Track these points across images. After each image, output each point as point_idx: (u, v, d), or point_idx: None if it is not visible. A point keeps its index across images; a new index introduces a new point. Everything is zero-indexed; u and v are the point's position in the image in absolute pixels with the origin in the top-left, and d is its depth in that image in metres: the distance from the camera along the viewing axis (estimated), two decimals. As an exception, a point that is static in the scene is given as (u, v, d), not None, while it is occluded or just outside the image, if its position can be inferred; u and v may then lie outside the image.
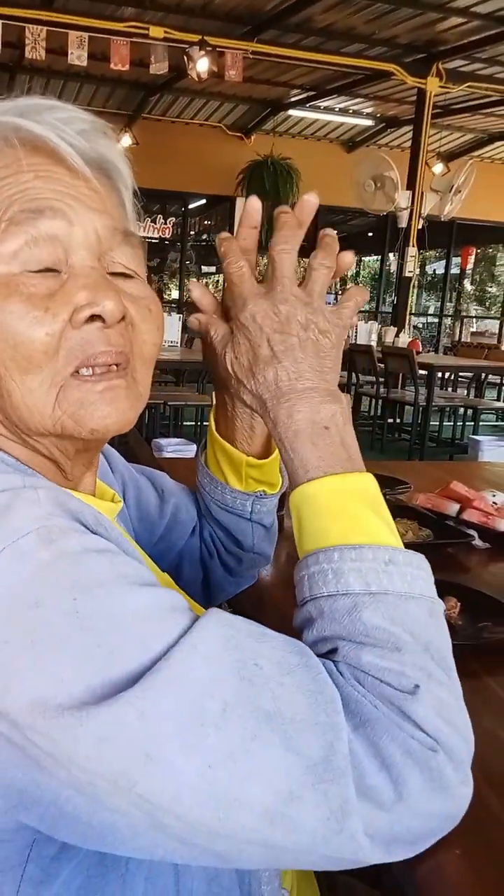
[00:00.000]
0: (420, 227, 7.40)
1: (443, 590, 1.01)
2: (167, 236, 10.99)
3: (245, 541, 0.81)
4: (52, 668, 0.42)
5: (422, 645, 0.49)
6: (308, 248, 0.58)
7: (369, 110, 9.60)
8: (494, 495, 1.48)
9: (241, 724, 0.42)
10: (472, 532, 1.36)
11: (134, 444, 1.50)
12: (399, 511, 1.43)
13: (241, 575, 0.85)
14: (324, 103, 9.22)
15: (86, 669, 0.42)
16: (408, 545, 1.42)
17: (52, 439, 0.55)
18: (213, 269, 12.06)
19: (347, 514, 0.53)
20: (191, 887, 0.53)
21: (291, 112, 9.60)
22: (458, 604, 1.03)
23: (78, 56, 5.96)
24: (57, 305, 0.52)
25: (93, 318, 0.52)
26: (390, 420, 6.80)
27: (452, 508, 1.41)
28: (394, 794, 0.44)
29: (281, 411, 0.56)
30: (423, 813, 0.46)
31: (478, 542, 1.35)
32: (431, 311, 13.37)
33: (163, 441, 3.82)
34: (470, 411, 6.70)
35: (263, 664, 0.44)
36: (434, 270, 13.77)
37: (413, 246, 7.40)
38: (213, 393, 0.73)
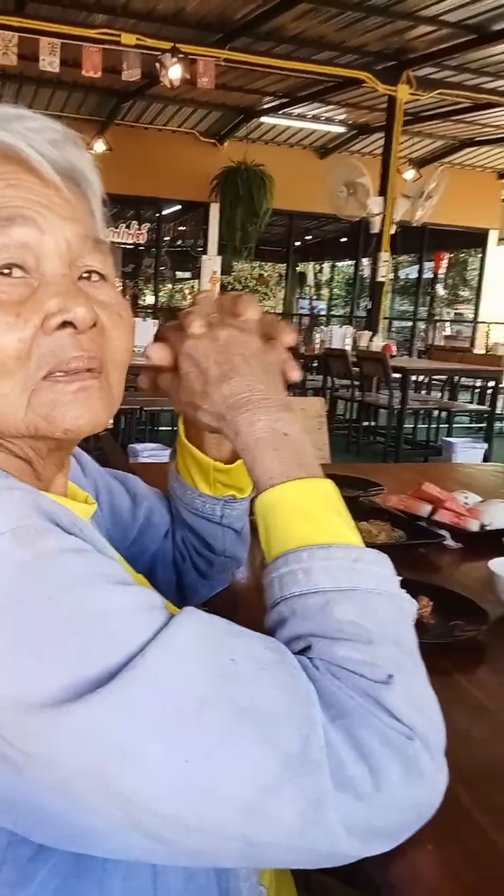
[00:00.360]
0: (392, 232, 7.47)
1: (415, 589, 1.05)
2: (142, 242, 10.97)
3: (216, 545, 0.82)
4: (28, 667, 0.42)
5: (391, 639, 0.50)
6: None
7: (341, 117, 9.69)
8: (466, 497, 1.51)
9: (217, 720, 0.43)
10: (444, 532, 1.38)
11: (108, 451, 1.50)
12: (372, 512, 1.46)
13: (214, 578, 0.86)
14: (296, 110, 9.29)
15: (63, 668, 0.42)
16: (381, 546, 1.44)
17: (25, 440, 0.56)
18: (187, 274, 12.07)
19: (312, 516, 0.55)
20: (168, 886, 0.53)
21: (264, 119, 9.65)
22: (431, 603, 1.05)
23: (50, 62, 5.95)
24: (28, 312, 0.52)
25: (64, 324, 0.53)
26: (366, 423, 6.85)
27: (425, 509, 1.43)
28: (372, 784, 0.45)
29: (241, 421, 0.58)
30: (401, 802, 0.46)
31: (450, 542, 1.37)
32: (405, 315, 13.50)
33: (138, 446, 3.82)
34: (444, 414, 6.78)
35: (239, 660, 0.45)
36: (407, 275, 13.91)
37: (386, 251, 7.47)
38: None
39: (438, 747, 0.49)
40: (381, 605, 0.52)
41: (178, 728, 0.42)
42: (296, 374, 0.64)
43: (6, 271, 0.53)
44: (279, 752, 0.43)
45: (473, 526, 1.39)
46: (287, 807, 0.43)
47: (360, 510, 1.49)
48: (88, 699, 0.41)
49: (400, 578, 1.06)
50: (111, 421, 5.33)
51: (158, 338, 0.65)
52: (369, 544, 1.36)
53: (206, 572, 0.85)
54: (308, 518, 0.55)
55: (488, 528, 1.40)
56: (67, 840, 0.45)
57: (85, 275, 0.57)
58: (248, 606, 1.08)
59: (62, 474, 0.64)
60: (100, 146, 9.33)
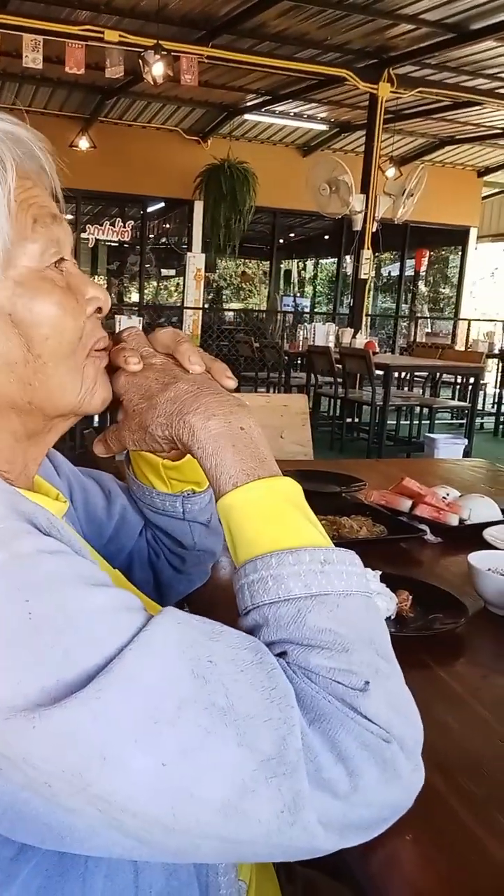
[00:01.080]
0: (374, 230, 7.51)
1: (396, 583, 1.07)
2: (126, 239, 10.93)
3: (185, 540, 0.82)
4: (4, 669, 0.42)
5: (366, 641, 0.50)
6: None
7: (323, 115, 9.70)
8: (447, 493, 1.53)
9: (194, 721, 0.43)
10: (424, 527, 1.40)
11: (91, 446, 1.50)
12: (354, 508, 1.48)
13: (190, 573, 0.86)
14: (279, 108, 9.29)
15: (40, 671, 0.42)
16: (362, 541, 1.45)
17: (56, 420, 0.61)
18: (172, 272, 12.04)
19: (277, 518, 0.54)
20: (150, 882, 0.54)
21: (247, 116, 9.65)
22: (410, 597, 1.07)
23: (33, 59, 5.91)
24: (80, 297, 0.59)
25: (97, 309, 0.61)
26: (349, 420, 6.88)
27: (405, 504, 1.45)
28: (349, 785, 0.46)
29: (195, 419, 0.58)
30: (378, 801, 0.48)
31: (429, 536, 1.39)
32: (388, 312, 13.55)
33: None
34: (425, 410, 6.83)
35: (217, 661, 0.45)
36: (389, 272, 13.95)
37: (368, 248, 7.51)
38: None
39: (415, 747, 0.50)
40: (354, 607, 0.52)
41: (156, 731, 0.42)
42: (229, 383, 0.64)
43: (57, 264, 0.59)
44: (256, 753, 0.43)
45: (453, 520, 1.41)
46: (265, 807, 0.43)
47: (342, 505, 1.51)
48: (66, 704, 0.41)
49: (378, 573, 1.08)
50: (96, 419, 5.32)
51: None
52: (350, 540, 1.38)
53: (181, 568, 0.85)
54: (273, 520, 0.54)
55: (467, 522, 1.42)
56: (49, 839, 0.45)
57: None
58: (228, 602, 1.09)
59: (37, 463, 0.65)
60: (84, 143, 9.29)
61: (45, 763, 0.41)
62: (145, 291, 11.36)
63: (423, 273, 13.40)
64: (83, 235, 10.33)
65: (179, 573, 0.86)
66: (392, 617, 1.03)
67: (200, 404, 0.59)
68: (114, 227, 10.62)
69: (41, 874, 0.50)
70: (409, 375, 8.16)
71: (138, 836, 0.43)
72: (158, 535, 0.83)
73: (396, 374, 7.32)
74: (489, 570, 1.10)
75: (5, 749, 0.42)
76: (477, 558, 1.12)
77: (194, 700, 0.43)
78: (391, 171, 8.32)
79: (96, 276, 11.90)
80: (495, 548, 1.27)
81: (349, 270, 8.52)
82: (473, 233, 12.27)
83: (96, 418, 5.50)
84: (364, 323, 7.96)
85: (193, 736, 0.42)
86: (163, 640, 0.45)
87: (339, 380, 6.61)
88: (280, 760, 0.44)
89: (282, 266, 13.74)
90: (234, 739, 0.43)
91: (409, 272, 12.81)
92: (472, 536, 1.33)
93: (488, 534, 1.32)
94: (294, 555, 0.52)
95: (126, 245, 11.34)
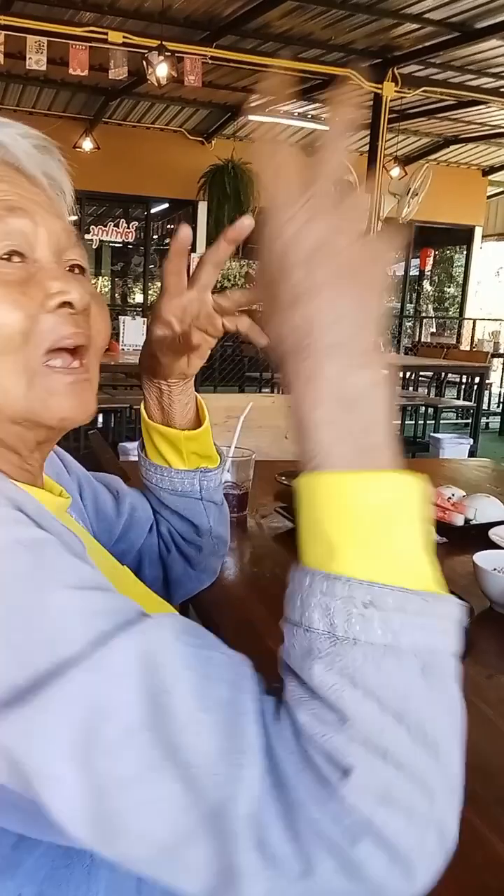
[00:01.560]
0: (379, 229, 7.50)
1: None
2: (130, 240, 10.94)
3: (202, 523, 0.83)
4: None
5: (391, 714, 0.39)
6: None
7: (327, 115, 9.69)
8: (453, 493, 1.52)
9: (138, 753, 0.38)
10: (430, 527, 1.40)
11: (97, 448, 1.51)
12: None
13: (203, 566, 0.87)
14: (283, 108, 9.29)
15: None
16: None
17: (18, 429, 0.57)
18: (175, 272, 12.04)
19: (341, 529, 0.41)
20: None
21: (251, 116, 9.65)
22: (415, 596, 1.07)
23: (36, 61, 5.92)
24: (32, 291, 0.55)
25: (63, 304, 0.56)
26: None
27: (410, 505, 1.45)
28: (300, 869, 0.38)
29: (306, 369, 0.42)
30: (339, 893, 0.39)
31: (435, 536, 1.39)
32: (392, 311, 13.54)
33: (128, 445, 3.82)
34: (431, 410, 6.82)
35: (184, 693, 0.39)
36: (394, 272, 13.95)
37: (373, 248, 7.49)
38: (144, 385, 0.77)
39: (410, 855, 0.38)
40: (390, 667, 0.39)
41: (96, 754, 0.39)
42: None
43: (7, 257, 0.56)
44: (200, 803, 0.38)
45: (458, 520, 1.41)
46: (203, 863, 0.38)
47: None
48: (7, 712, 0.39)
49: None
50: (100, 420, 5.32)
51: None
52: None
53: (195, 558, 0.86)
54: (334, 530, 0.41)
55: (473, 522, 1.42)
56: (33, 830, 0.46)
57: (68, 268, 0.61)
58: (229, 603, 1.09)
59: (42, 467, 0.65)
60: (88, 145, 9.31)
61: None
62: (150, 292, 11.37)
63: (428, 272, 13.38)
64: (87, 236, 10.34)
65: (191, 567, 0.87)
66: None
67: (320, 353, 0.42)
68: (118, 228, 10.64)
69: (46, 865, 0.50)
70: (413, 375, 8.15)
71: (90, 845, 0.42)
72: (173, 523, 0.85)
73: (401, 374, 7.31)
74: (495, 570, 1.09)
75: None
76: (482, 558, 1.12)
77: (144, 729, 0.39)
78: (396, 171, 8.32)
79: (100, 278, 11.92)
80: (501, 548, 1.26)
81: (354, 270, 8.51)
82: (478, 232, 12.24)
83: (100, 419, 5.52)
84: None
85: (134, 767, 0.38)
86: (125, 657, 0.40)
87: (344, 380, 6.59)
88: (224, 820, 0.37)
89: (286, 266, 13.72)
90: (178, 781, 0.38)
91: (413, 272, 12.79)
92: (477, 536, 1.33)
93: (494, 534, 1.32)
94: (329, 582, 0.40)
95: (130, 246, 11.36)
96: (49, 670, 0.39)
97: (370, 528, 0.41)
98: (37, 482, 0.63)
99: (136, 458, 0.86)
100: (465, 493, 1.54)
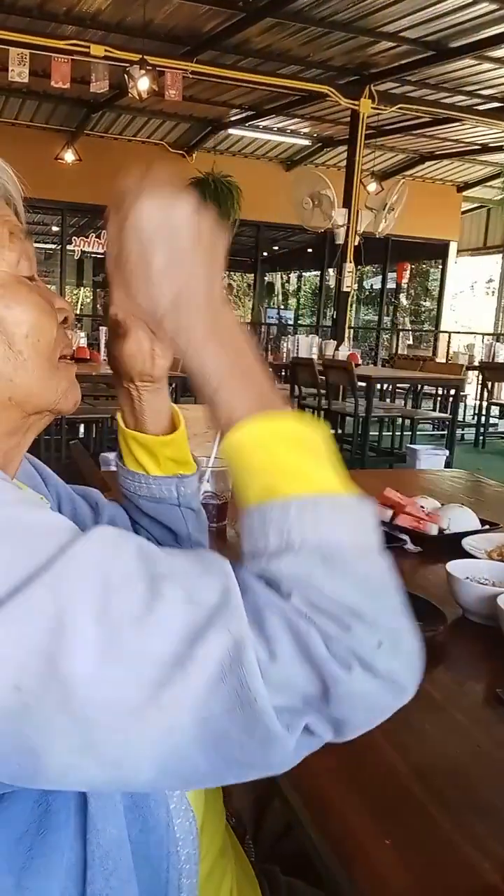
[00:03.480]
0: (356, 243, 7.58)
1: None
2: (110, 251, 10.93)
3: (180, 530, 0.84)
4: None
5: (300, 584, 0.47)
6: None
7: (306, 130, 9.80)
8: (423, 506, 1.55)
9: (142, 588, 0.45)
10: (405, 537, 1.43)
11: (78, 458, 1.52)
12: (336, 520, 1.49)
13: None
14: (262, 123, 9.38)
15: (7, 571, 0.45)
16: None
17: (34, 417, 0.64)
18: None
19: (246, 473, 0.53)
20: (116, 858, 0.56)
21: (231, 131, 9.72)
22: (391, 605, 1.08)
23: (19, 73, 5.93)
24: (52, 306, 0.63)
25: (65, 319, 0.65)
26: (332, 431, 6.92)
27: (385, 514, 1.47)
28: (267, 652, 0.45)
29: (190, 319, 0.56)
30: (296, 678, 0.45)
31: (410, 546, 1.41)
32: (370, 324, 13.66)
33: (109, 455, 3.81)
34: (407, 421, 6.88)
35: (152, 547, 0.49)
36: (371, 285, 14.07)
37: (350, 262, 7.57)
38: (118, 391, 0.78)
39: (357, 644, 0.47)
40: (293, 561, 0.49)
41: (106, 598, 0.45)
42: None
43: (30, 277, 0.63)
44: (202, 606, 0.45)
45: (432, 530, 1.43)
46: (214, 648, 0.44)
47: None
48: (23, 587, 0.44)
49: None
50: (82, 430, 5.28)
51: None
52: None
53: None
54: (254, 470, 0.52)
55: (447, 532, 1.45)
56: (21, 776, 0.46)
57: None
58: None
59: (18, 461, 0.67)
60: (69, 156, 9.31)
61: (14, 647, 0.43)
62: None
63: (405, 286, 13.53)
64: (69, 247, 10.32)
65: None
66: (372, 626, 1.05)
67: (194, 305, 0.56)
68: (100, 239, 10.62)
69: (23, 853, 0.51)
70: (391, 387, 8.23)
71: (110, 741, 0.44)
72: (152, 531, 0.85)
73: (379, 386, 7.38)
74: (467, 578, 1.12)
75: None
76: (455, 567, 1.14)
77: (138, 571, 0.46)
78: (372, 186, 8.41)
79: (82, 288, 11.89)
80: (474, 556, 1.29)
81: (332, 283, 8.60)
82: (453, 247, 12.41)
83: (81, 429, 5.50)
84: (347, 335, 8.02)
85: (142, 601, 0.45)
86: (102, 533, 0.49)
87: (323, 391, 6.64)
88: (226, 606, 0.46)
89: (266, 279, 13.81)
90: (181, 598, 0.45)
91: (390, 285, 12.93)
92: (450, 546, 1.35)
93: (467, 543, 1.35)
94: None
95: (110, 257, 11.34)
96: (53, 554, 0.46)
97: (259, 461, 0.52)
98: (8, 468, 0.65)
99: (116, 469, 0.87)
100: (440, 504, 1.57)
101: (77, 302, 11.97)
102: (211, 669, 0.44)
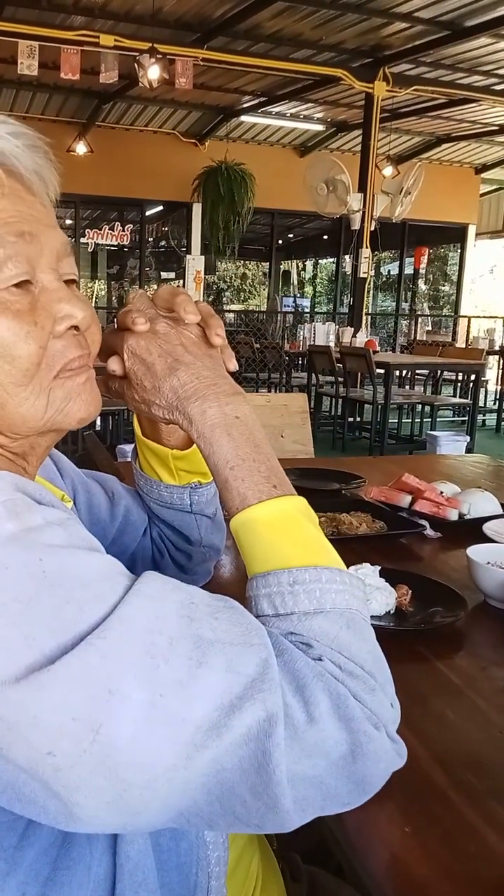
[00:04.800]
0: (373, 228, 7.51)
1: (395, 578, 1.08)
2: (125, 243, 10.95)
3: (192, 535, 0.83)
4: (22, 628, 0.44)
5: (329, 647, 0.52)
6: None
7: (319, 115, 9.72)
8: (442, 492, 1.53)
9: (186, 654, 0.46)
10: (424, 522, 1.41)
11: (92, 448, 1.52)
12: (354, 504, 1.48)
13: (195, 571, 0.87)
14: (275, 109, 9.31)
15: (56, 626, 0.44)
16: (362, 537, 1.46)
17: (33, 438, 0.60)
18: (171, 274, 12.05)
19: (261, 542, 0.57)
20: (146, 879, 0.56)
21: (244, 118, 9.66)
22: (410, 591, 1.07)
23: (28, 66, 5.93)
24: (42, 319, 0.56)
25: (70, 326, 0.58)
26: (350, 419, 6.89)
27: (405, 500, 1.45)
28: (306, 714, 0.48)
29: (193, 410, 0.61)
30: (331, 739, 0.49)
31: (429, 531, 1.39)
32: (387, 310, 13.56)
33: (126, 447, 3.82)
34: (427, 408, 6.82)
35: (198, 604, 0.50)
36: (388, 271, 13.95)
37: (366, 247, 7.51)
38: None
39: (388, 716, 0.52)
40: (320, 625, 0.54)
41: (153, 665, 0.45)
42: (232, 364, 0.66)
43: (17, 284, 0.56)
44: (242, 676, 0.47)
45: (452, 515, 1.42)
46: (249, 717, 0.46)
47: (342, 502, 1.51)
48: (76, 648, 0.44)
49: (377, 568, 1.08)
50: (98, 422, 5.33)
51: (104, 345, 0.66)
52: (350, 536, 1.38)
53: (186, 566, 0.86)
54: (258, 544, 0.58)
55: (467, 517, 1.43)
56: (47, 819, 0.46)
57: (65, 280, 0.60)
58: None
59: (37, 469, 0.66)
60: (81, 148, 9.32)
61: (56, 713, 0.43)
62: (147, 293, 11.38)
63: (423, 271, 13.39)
64: (82, 240, 10.35)
65: (184, 572, 0.87)
66: (392, 611, 1.04)
67: (199, 396, 0.61)
68: (113, 230, 10.65)
69: (49, 864, 0.51)
70: (410, 373, 8.16)
71: (139, 796, 0.45)
72: (164, 531, 0.85)
73: (397, 373, 7.33)
74: (488, 563, 1.10)
75: (15, 714, 0.43)
76: (476, 552, 1.13)
77: (183, 636, 0.47)
78: (388, 170, 8.33)
79: (96, 281, 11.92)
80: (495, 541, 1.27)
81: (348, 270, 8.53)
82: (472, 230, 12.27)
83: (98, 422, 5.52)
84: (364, 322, 7.97)
85: (186, 668, 0.46)
86: (150, 590, 0.49)
87: (340, 379, 6.61)
88: (264, 679, 0.47)
89: (281, 266, 13.75)
90: (223, 666, 0.47)
91: (408, 270, 12.80)
92: (471, 531, 1.33)
93: (488, 528, 1.33)
94: (263, 578, 0.56)
95: (125, 249, 11.37)
96: (103, 616, 0.46)
97: (277, 530, 0.57)
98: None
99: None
100: (458, 489, 1.55)
101: (91, 295, 12.00)
102: (241, 733, 0.46)
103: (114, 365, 0.65)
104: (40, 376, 0.56)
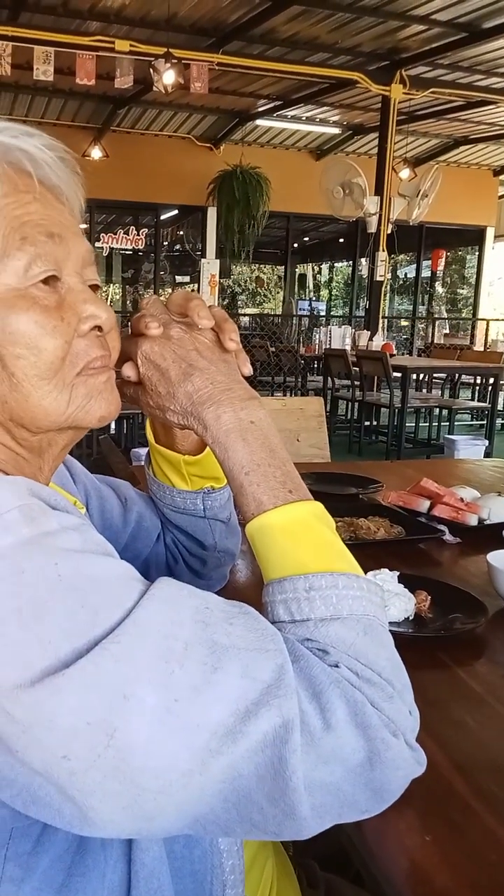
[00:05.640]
0: (389, 231, 7.49)
1: (414, 584, 1.07)
2: (140, 247, 10.99)
3: (206, 540, 0.83)
4: (38, 631, 0.44)
5: (346, 654, 0.52)
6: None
7: (336, 118, 9.71)
8: (462, 498, 1.51)
9: (201, 660, 0.46)
10: (443, 527, 1.39)
11: (107, 452, 1.52)
12: (371, 509, 1.47)
13: (210, 577, 0.87)
14: (291, 112, 9.31)
15: (72, 630, 0.45)
16: (380, 542, 1.44)
17: (52, 434, 0.60)
18: (186, 278, 12.09)
19: (277, 548, 0.57)
20: (161, 886, 0.56)
21: (259, 122, 9.68)
22: (429, 597, 1.06)
23: (44, 71, 5.97)
24: (68, 315, 0.58)
25: (94, 327, 0.59)
26: (367, 423, 6.86)
27: (423, 505, 1.44)
28: (322, 721, 0.47)
29: (207, 416, 0.61)
30: (348, 746, 0.48)
31: (448, 536, 1.38)
32: (404, 314, 13.50)
33: (141, 450, 3.83)
34: (445, 412, 6.78)
35: (213, 609, 0.50)
36: (405, 274, 13.90)
37: (383, 250, 7.49)
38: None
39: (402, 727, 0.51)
40: (337, 631, 0.53)
41: (167, 670, 0.45)
42: (247, 369, 0.66)
43: (45, 281, 0.57)
44: (257, 682, 0.47)
45: (472, 520, 1.40)
46: (264, 723, 0.46)
47: (359, 507, 1.50)
48: (91, 653, 0.44)
49: (396, 573, 1.07)
50: (113, 426, 5.36)
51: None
52: (367, 541, 1.37)
53: (200, 571, 0.86)
54: (273, 550, 0.57)
55: (487, 522, 1.41)
56: (60, 822, 0.46)
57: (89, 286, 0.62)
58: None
59: (53, 471, 0.66)
60: (96, 153, 9.37)
61: (71, 717, 0.43)
62: (160, 298, 11.42)
63: (440, 274, 13.33)
64: (97, 244, 10.40)
65: (199, 577, 0.86)
66: (411, 618, 1.03)
67: (214, 401, 0.61)
68: (128, 235, 10.70)
69: (63, 871, 0.52)
70: (427, 377, 8.12)
71: (154, 802, 0.45)
72: (178, 537, 0.84)
73: (414, 376, 7.29)
74: (508, 568, 1.08)
75: (30, 717, 0.43)
76: (496, 557, 1.11)
77: (198, 641, 0.47)
78: (405, 173, 8.30)
79: (111, 285, 11.98)
80: (515, 546, 1.25)
81: (365, 273, 8.50)
82: (490, 232, 12.19)
83: (112, 426, 5.54)
84: (380, 325, 7.94)
85: (201, 673, 0.46)
86: (165, 594, 0.49)
87: (357, 383, 6.58)
88: (279, 685, 0.47)
89: (297, 270, 13.74)
90: (238, 672, 0.46)
91: (425, 273, 12.75)
92: (491, 536, 1.32)
93: (507, 533, 1.31)
94: (279, 584, 0.56)
95: (140, 253, 11.41)
96: (118, 621, 0.46)
97: (291, 535, 0.57)
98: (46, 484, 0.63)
99: (147, 464, 0.86)
100: (478, 494, 1.53)
101: (107, 300, 12.05)
102: (257, 740, 0.46)
103: (128, 371, 0.65)
104: (64, 371, 0.57)
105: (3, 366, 0.56)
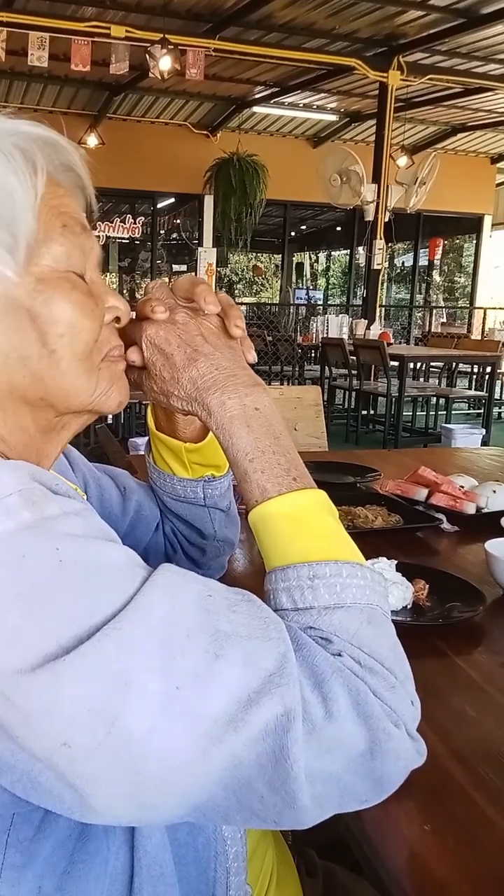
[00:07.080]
0: (387, 219, 7.46)
1: (412, 572, 1.06)
2: (137, 236, 10.94)
3: (206, 529, 0.83)
4: (39, 617, 0.44)
5: (349, 643, 0.52)
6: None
7: (333, 105, 9.64)
8: (462, 486, 1.51)
9: (203, 647, 0.46)
10: (441, 516, 1.39)
11: (104, 441, 1.51)
12: (369, 498, 1.47)
13: (209, 566, 0.87)
14: (288, 99, 9.24)
15: (73, 616, 0.44)
16: (377, 531, 1.45)
17: (70, 416, 0.61)
18: (184, 267, 12.03)
19: (281, 536, 0.57)
20: (163, 874, 0.56)
21: (256, 109, 9.60)
22: (427, 586, 1.06)
23: (38, 57, 5.92)
24: (100, 303, 0.60)
25: (115, 318, 0.62)
26: (364, 412, 6.86)
27: (421, 493, 1.44)
28: (324, 710, 0.47)
29: (212, 401, 0.61)
30: (350, 735, 0.48)
31: (446, 525, 1.38)
32: (402, 302, 13.46)
33: (138, 440, 3.84)
34: (442, 400, 6.78)
35: (215, 596, 0.49)
36: (403, 262, 13.85)
37: (381, 239, 7.45)
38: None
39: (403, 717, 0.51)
40: (340, 619, 0.53)
41: (170, 657, 0.45)
42: (251, 356, 0.66)
43: (81, 273, 0.60)
44: (260, 670, 0.47)
45: (469, 509, 1.40)
46: (266, 712, 0.46)
47: (357, 496, 1.50)
48: (92, 639, 0.44)
49: (394, 562, 1.07)
50: (110, 416, 5.35)
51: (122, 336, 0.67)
52: (365, 530, 1.37)
53: (199, 560, 0.86)
54: (279, 538, 0.57)
55: (484, 510, 1.41)
56: (59, 808, 0.46)
57: None
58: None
59: (55, 456, 0.66)
60: (92, 140, 9.30)
61: (72, 704, 0.42)
62: (166, 283, 11.37)
63: (438, 262, 13.28)
64: (94, 233, 10.34)
65: (198, 567, 0.86)
66: (409, 606, 1.02)
67: (219, 387, 0.61)
68: (124, 223, 10.63)
69: (65, 858, 0.52)
70: (424, 366, 8.11)
71: (155, 789, 0.45)
72: (177, 526, 0.84)
73: (412, 365, 7.28)
74: (507, 557, 1.08)
75: (30, 703, 0.42)
76: (494, 546, 1.11)
77: (201, 628, 0.47)
78: (403, 160, 8.25)
79: (108, 274, 11.93)
80: (513, 535, 1.25)
81: (362, 261, 8.48)
82: (488, 220, 12.15)
83: (110, 416, 5.54)
84: (378, 314, 7.92)
85: (203, 660, 0.45)
86: (168, 581, 0.49)
87: (354, 372, 6.58)
88: (282, 673, 0.47)
89: (294, 258, 13.69)
90: (240, 660, 0.46)
91: (423, 261, 12.71)
92: (489, 524, 1.32)
93: (506, 521, 1.31)
94: (283, 572, 0.55)
95: (137, 241, 11.35)
96: (120, 607, 0.45)
97: (296, 523, 0.57)
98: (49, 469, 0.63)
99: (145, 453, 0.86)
100: (475, 482, 1.53)
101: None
102: (258, 728, 0.46)
103: (133, 355, 0.65)
104: (93, 355, 0.60)
105: (45, 343, 0.57)
